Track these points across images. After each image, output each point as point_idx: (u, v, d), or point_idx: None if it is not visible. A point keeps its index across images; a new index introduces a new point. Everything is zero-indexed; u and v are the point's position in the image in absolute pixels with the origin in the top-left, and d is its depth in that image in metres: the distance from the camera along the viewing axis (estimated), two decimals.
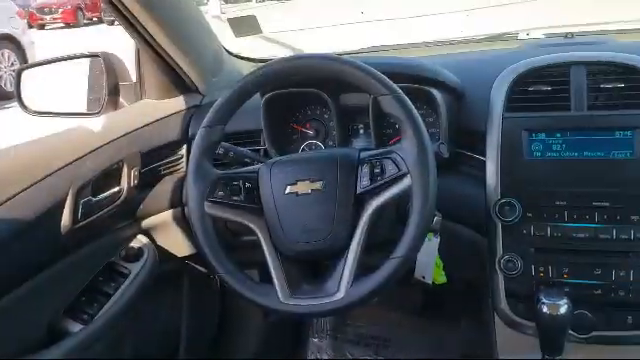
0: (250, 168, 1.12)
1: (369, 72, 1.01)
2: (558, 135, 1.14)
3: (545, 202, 1.13)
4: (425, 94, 1.25)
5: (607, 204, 1.09)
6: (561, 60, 1.18)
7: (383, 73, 1.01)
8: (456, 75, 1.30)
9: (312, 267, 1.07)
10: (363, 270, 0.98)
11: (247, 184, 1.07)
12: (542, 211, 1.13)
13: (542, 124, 1.15)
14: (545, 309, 1.02)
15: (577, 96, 1.13)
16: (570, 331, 1.08)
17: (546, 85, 1.17)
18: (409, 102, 0.99)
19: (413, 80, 1.23)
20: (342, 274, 0.97)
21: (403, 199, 1.00)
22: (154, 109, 1.44)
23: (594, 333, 1.09)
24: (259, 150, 1.42)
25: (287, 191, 1.03)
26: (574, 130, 1.13)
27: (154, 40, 1.34)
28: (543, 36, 1.63)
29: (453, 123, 1.25)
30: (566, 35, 1.54)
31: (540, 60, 1.19)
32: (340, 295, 0.96)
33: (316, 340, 2.20)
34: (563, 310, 1.01)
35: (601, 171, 1.10)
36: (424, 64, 1.27)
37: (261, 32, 1.76)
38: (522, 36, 1.64)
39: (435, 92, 1.24)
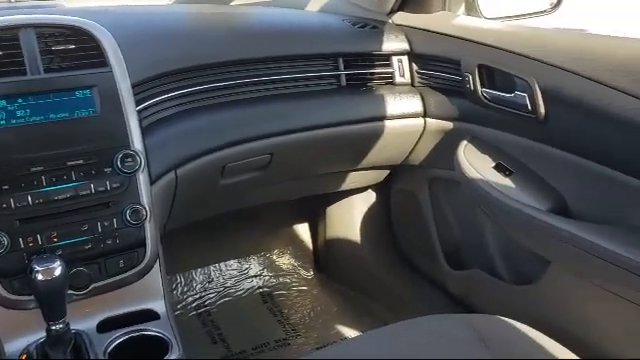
0: None
1: None
2: (20, 101, 1.10)
3: (20, 171, 1.08)
4: None
5: (81, 161, 1.13)
6: (6, 24, 1.13)
7: None
8: None
9: None
10: None
11: None
12: (19, 181, 1.08)
13: (1, 91, 1.09)
14: (39, 277, 0.99)
15: (31, 60, 1.12)
16: (70, 291, 1.09)
17: None
18: None
19: None
20: None
21: None
22: None
23: (93, 285, 1.14)
24: None
25: None
26: (35, 94, 1.11)
27: None
28: None
29: None
30: (10, 0, 1.49)
31: None
32: None
33: None
34: (57, 273, 1.00)
35: (70, 131, 1.13)
36: None
37: None
38: None
39: None
